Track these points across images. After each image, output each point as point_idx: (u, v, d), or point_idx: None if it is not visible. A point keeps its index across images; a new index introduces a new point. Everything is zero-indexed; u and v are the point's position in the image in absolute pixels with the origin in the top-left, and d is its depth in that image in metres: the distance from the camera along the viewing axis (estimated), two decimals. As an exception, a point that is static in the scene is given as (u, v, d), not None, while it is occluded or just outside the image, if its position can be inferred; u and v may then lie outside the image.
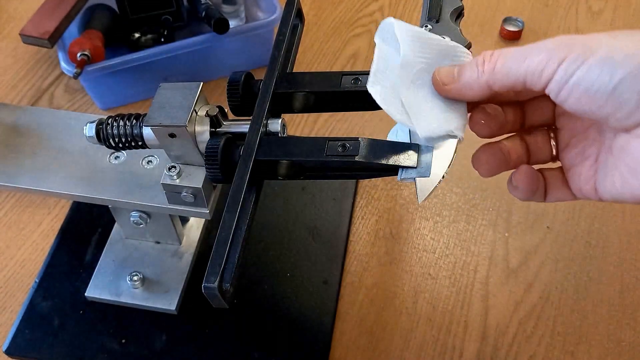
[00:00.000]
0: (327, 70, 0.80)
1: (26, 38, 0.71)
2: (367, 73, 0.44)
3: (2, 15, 0.91)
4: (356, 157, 0.39)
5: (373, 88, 0.37)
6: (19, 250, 0.65)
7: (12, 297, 0.61)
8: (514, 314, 0.58)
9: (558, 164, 0.39)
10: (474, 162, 0.38)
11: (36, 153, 0.55)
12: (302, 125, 0.75)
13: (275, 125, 0.44)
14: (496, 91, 0.35)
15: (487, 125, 0.37)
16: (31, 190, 0.53)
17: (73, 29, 0.76)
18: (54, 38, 0.71)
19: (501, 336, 0.57)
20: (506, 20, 0.83)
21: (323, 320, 0.57)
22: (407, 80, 0.37)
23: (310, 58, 0.82)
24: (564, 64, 0.30)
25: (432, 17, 0.46)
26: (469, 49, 0.44)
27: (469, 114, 0.38)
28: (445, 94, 0.37)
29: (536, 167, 0.38)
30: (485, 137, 0.38)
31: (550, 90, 0.32)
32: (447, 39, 0.41)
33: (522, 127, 0.39)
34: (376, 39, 0.39)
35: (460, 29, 0.45)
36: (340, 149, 0.40)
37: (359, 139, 0.39)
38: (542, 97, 0.37)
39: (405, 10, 0.88)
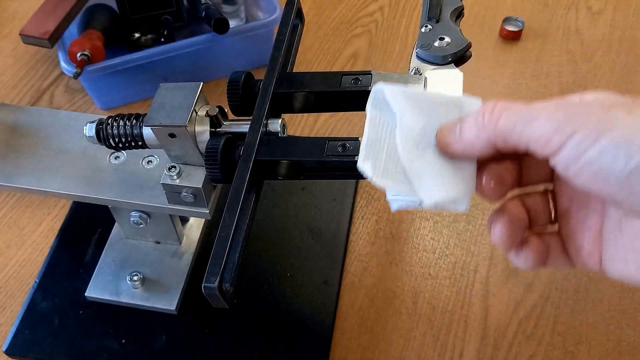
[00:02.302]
0: (327, 70, 0.80)
1: (26, 38, 0.71)
2: (367, 73, 0.45)
3: (2, 15, 0.91)
4: (356, 157, 0.39)
5: (365, 164, 0.34)
6: (19, 250, 0.65)
7: (12, 297, 0.61)
8: (514, 314, 0.58)
9: (557, 227, 0.37)
10: (500, 243, 0.35)
11: (36, 153, 0.55)
12: (302, 125, 0.75)
13: (275, 125, 0.44)
14: (499, 149, 0.32)
15: (496, 189, 0.34)
16: (31, 190, 0.53)
17: (73, 29, 0.76)
18: (54, 38, 0.71)
19: (501, 336, 0.57)
20: (506, 20, 0.83)
21: (323, 320, 0.57)
22: (410, 144, 0.34)
23: (310, 58, 0.82)
24: (574, 139, 0.28)
25: (432, 17, 0.46)
26: (468, 49, 0.44)
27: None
28: (451, 153, 0.34)
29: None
30: (492, 200, 0.35)
31: (556, 164, 0.29)
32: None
33: (519, 185, 0.36)
34: (368, 108, 0.35)
35: (460, 29, 0.46)
36: (340, 149, 0.40)
37: (359, 139, 0.39)
38: None
39: (405, 10, 0.88)
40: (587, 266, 0.34)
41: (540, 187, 0.37)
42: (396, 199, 0.34)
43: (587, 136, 0.27)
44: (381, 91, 0.35)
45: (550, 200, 0.36)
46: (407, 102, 0.34)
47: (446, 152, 0.34)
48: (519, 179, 0.35)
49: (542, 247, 0.35)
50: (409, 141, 0.34)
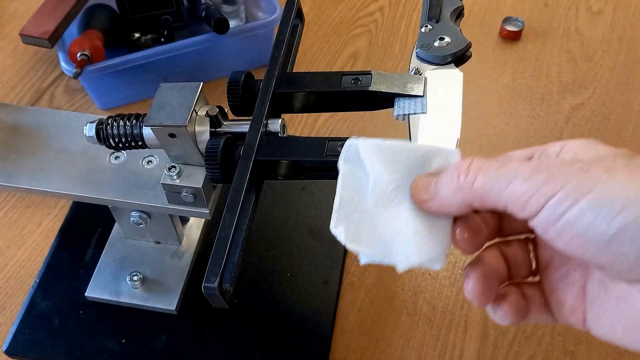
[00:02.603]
0: (327, 70, 0.80)
1: (26, 38, 0.71)
2: (367, 73, 0.45)
3: (2, 15, 0.91)
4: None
5: (337, 229, 0.32)
6: (19, 250, 0.65)
7: (12, 297, 0.61)
8: (514, 314, 0.58)
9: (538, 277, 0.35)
10: (473, 298, 0.33)
11: (36, 153, 0.55)
12: (302, 125, 0.75)
13: (275, 125, 0.44)
14: (477, 209, 0.31)
15: (470, 241, 0.32)
16: (31, 190, 0.53)
17: (73, 29, 0.76)
18: (54, 38, 0.71)
19: (501, 336, 0.57)
20: (506, 20, 0.83)
21: (323, 320, 0.57)
22: (384, 203, 0.33)
23: (310, 58, 0.82)
24: (553, 201, 0.27)
25: (432, 17, 0.46)
26: (468, 49, 0.44)
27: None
28: (426, 211, 0.32)
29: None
30: (466, 253, 0.33)
31: (535, 226, 0.28)
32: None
33: (499, 234, 0.35)
34: (340, 163, 0.34)
35: (460, 29, 0.46)
36: (340, 149, 0.40)
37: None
38: None
39: (405, 10, 0.88)
40: (570, 323, 0.33)
41: (522, 235, 0.35)
42: (366, 255, 0.32)
43: (566, 198, 0.26)
44: (354, 146, 0.33)
45: (532, 251, 0.35)
46: (381, 156, 0.33)
47: (422, 208, 0.32)
48: (498, 229, 0.34)
49: (521, 303, 0.33)
50: (383, 199, 0.33)
